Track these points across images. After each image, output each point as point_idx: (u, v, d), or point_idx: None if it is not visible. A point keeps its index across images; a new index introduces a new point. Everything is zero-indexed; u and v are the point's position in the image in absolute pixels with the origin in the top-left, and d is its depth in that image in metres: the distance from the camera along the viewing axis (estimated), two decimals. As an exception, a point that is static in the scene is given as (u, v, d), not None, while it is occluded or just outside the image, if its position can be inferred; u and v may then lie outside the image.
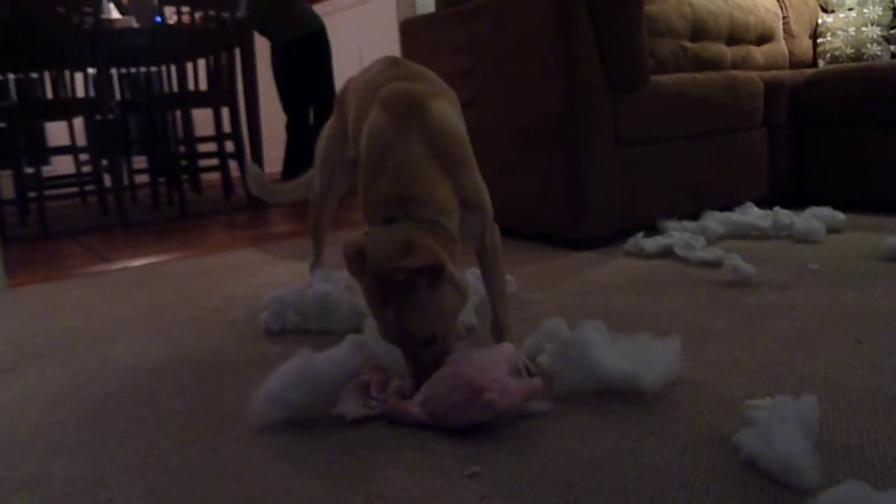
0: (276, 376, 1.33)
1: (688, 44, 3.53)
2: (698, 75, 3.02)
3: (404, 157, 1.41)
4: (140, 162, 5.83)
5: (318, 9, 5.62)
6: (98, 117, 4.44)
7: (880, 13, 3.95)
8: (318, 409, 1.32)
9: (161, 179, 5.28)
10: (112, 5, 5.23)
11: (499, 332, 1.55)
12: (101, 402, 1.51)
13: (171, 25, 4.53)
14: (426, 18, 3.26)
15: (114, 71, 5.49)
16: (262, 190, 2.44)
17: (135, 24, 4.74)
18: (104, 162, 4.61)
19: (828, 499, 0.89)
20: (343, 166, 2.01)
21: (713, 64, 3.57)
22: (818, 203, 2.91)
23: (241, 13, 4.75)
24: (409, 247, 1.26)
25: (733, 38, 3.79)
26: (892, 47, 3.93)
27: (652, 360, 1.35)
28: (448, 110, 1.52)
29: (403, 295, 1.26)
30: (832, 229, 2.69)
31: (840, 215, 2.75)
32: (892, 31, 3.96)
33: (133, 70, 5.62)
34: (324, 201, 2.10)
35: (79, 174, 5.24)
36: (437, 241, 1.31)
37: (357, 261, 1.30)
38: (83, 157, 5.31)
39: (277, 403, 1.30)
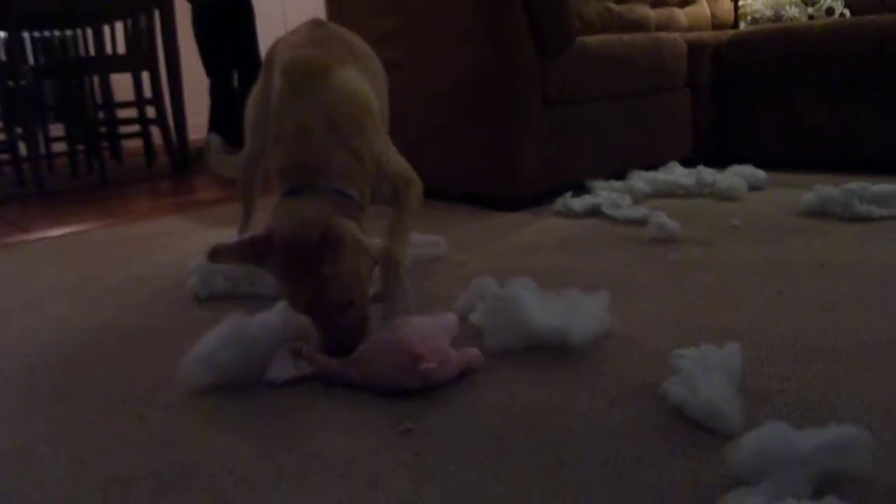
0: (207, 339, 1.30)
1: (613, 5, 3.56)
2: (624, 36, 3.04)
3: (299, 124, 1.42)
4: (57, 129, 5.61)
5: (240, -31, 5.47)
6: (10, 83, 4.26)
7: (798, -25, 4.04)
8: (249, 372, 1.30)
9: (80, 147, 5.10)
10: (22, -35, 4.99)
11: (387, 266, 1.45)
12: (24, 374, 1.46)
13: (86, -14, 4.36)
14: (351, -21, 3.20)
15: (26, 34, 5.26)
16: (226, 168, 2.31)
17: (47, -15, 4.54)
18: (18, 130, 4.42)
19: (750, 439, 0.92)
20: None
21: (638, 25, 3.61)
22: (740, 161, 2.98)
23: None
24: (316, 225, 1.26)
25: (657, 0, 3.83)
26: (809, 9, 4.02)
27: (581, 315, 1.37)
28: (353, 76, 1.54)
29: (327, 262, 1.25)
30: (753, 187, 2.76)
31: (761, 173, 2.83)
32: (809, -7, 4.05)
33: (47, 33, 5.39)
34: (253, 164, 2.07)
35: (-8, 143, 5.03)
36: (342, 213, 1.33)
37: (260, 244, 1.31)
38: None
39: (208, 366, 1.27)
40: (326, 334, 1.33)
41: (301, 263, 1.27)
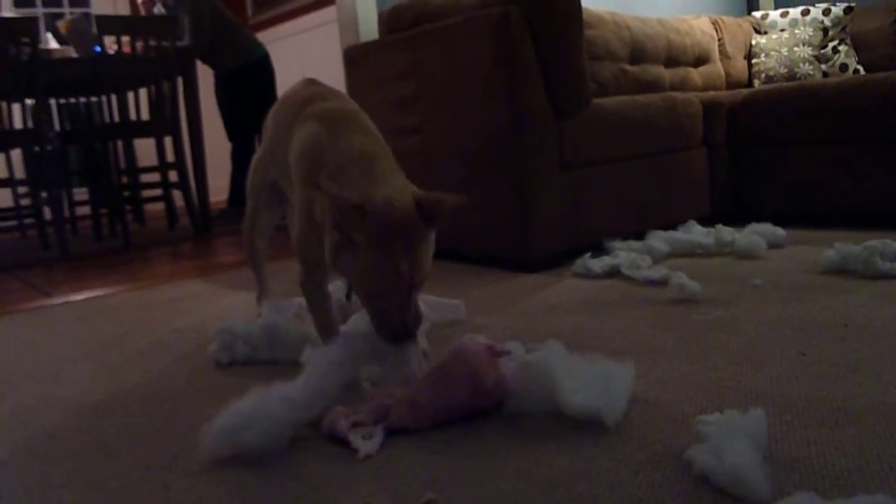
0: (228, 414, 1.30)
1: (628, 67, 3.61)
2: (639, 97, 3.08)
3: (354, 153, 1.50)
4: (81, 194, 5.71)
5: (262, 37, 5.62)
6: (37, 149, 4.35)
7: (811, 34, 4.09)
8: (270, 449, 1.29)
9: (103, 211, 5.18)
10: (50, 35, 5.14)
11: None
12: (45, 443, 1.47)
13: (111, 55, 4.47)
14: (370, 45, 3.27)
15: (53, 101, 5.39)
16: None
17: (73, 54, 4.66)
18: (44, 194, 4.50)
19: (779, 511, 0.90)
20: (268, 190, 2.04)
21: (653, 86, 3.65)
22: (758, 219, 2.98)
23: (183, 42, 4.71)
24: (409, 196, 1.38)
25: (671, 61, 3.88)
26: (823, 66, 4.06)
27: (612, 390, 1.34)
28: (370, 120, 1.68)
29: (421, 237, 1.37)
30: (773, 245, 2.75)
31: (780, 231, 2.82)
32: (822, 51, 4.09)
33: (73, 100, 5.52)
34: (253, 225, 2.13)
35: (17, 207, 5.12)
36: None
37: (356, 213, 1.34)
38: (22, 189, 5.19)
39: (228, 441, 1.27)
40: (401, 315, 1.38)
41: (407, 230, 1.34)
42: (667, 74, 3.82)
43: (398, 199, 1.37)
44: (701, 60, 4.10)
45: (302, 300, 2.20)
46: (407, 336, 1.38)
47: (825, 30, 4.11)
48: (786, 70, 4.09)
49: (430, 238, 1.41)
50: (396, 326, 1.38)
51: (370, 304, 1.43)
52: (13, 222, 5.18)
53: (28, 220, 5.13)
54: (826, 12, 4.16)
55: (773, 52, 4.18)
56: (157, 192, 5.39)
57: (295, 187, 1.62)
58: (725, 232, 2.79)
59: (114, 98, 4.67)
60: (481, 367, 1.36)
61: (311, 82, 1.87)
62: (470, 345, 1.40)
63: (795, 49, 4.09)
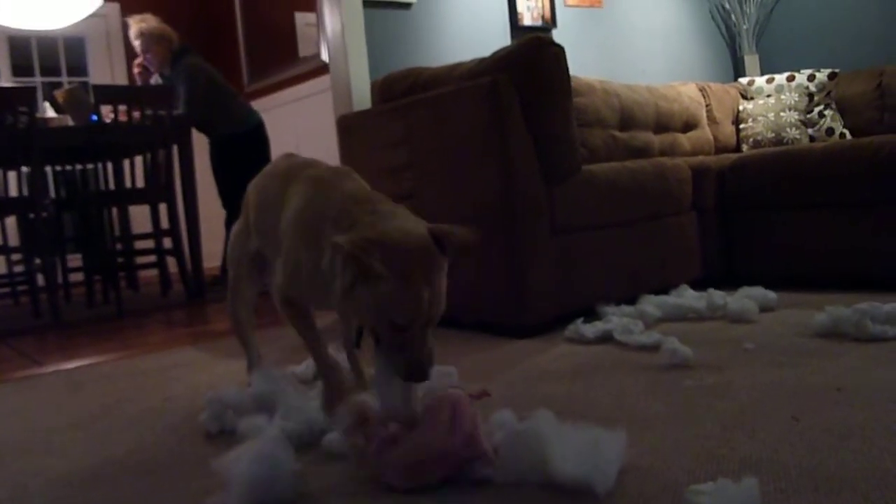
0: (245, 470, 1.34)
1: (617, 133, 3.66)
2: (629, 163, 3.12)
3: (346, 188, 1.61)
4: (75, 260, 5.71)
5: (257, 105, 5.70)
6: (31, 216, 4.36)
7: (797, 99, 4.17)
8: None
9: (96, 277, 5.17)
10: (47, 104, 5.20)
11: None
12: (31, 516, 1.45)
13: (108, 123, 4.52)
14: (363, 114, 3.32)
15: (49, 168, 5.43)
16: None
17: (70, 123, 4.71)
18: (37, 261, 4.50)
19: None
20: (248, 260, 2.08)
21: (642, 151, 3.71)
22: (749, 282, 2.99)
23: (178, 111, 4.77)
24: (423, 227, 1.43)
25: (660, 127, 3.95)
26: (809, 130, 4.14)
27: (604, 459, 1.33)
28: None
29: (440, 268, 1.39)
30: (765, 308, 2.76)
31: (771, 294, 2.83)
32: (808, 116, 4.17)
33: (69, 167, 5.56)
34: (235, 295, 2.14)
35: (10, 274, 5.11)
36: None
37: (375, 247, 1.35)
38: (15, 256, 5.19)
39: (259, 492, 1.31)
40: (416, 352, 1.37)
41: (429, 262, 1.37)
42: (656, 140, 3.88)
43: (413, 230, 1.41)
44: (689, 126, 4.17)
45: (296, 368, 2.22)
46: (423, 374, 1.36)
47: (810, 95, 4.20)
48: (773, 135, 4.16)
49: (445, 269, 1.42)
50: (413, 364, 1.36)
51: (388, 338, 1.39)
52: (6, 289, 5.16)
53: (21, 287, 5.12)
54: (811, 78, 4.25)
55: (760, 118, 4.26)
56: (151, 258, 5.39)
57: (286, 241, 1.66)
58: (717, 296, 2.80)
59: (109, 165, 4.71)
60: (461, 409, 1.40)
61: (289, 156, 1.95)
62: (451, 395, 1.47)
63: (782, 114, 4.17)
